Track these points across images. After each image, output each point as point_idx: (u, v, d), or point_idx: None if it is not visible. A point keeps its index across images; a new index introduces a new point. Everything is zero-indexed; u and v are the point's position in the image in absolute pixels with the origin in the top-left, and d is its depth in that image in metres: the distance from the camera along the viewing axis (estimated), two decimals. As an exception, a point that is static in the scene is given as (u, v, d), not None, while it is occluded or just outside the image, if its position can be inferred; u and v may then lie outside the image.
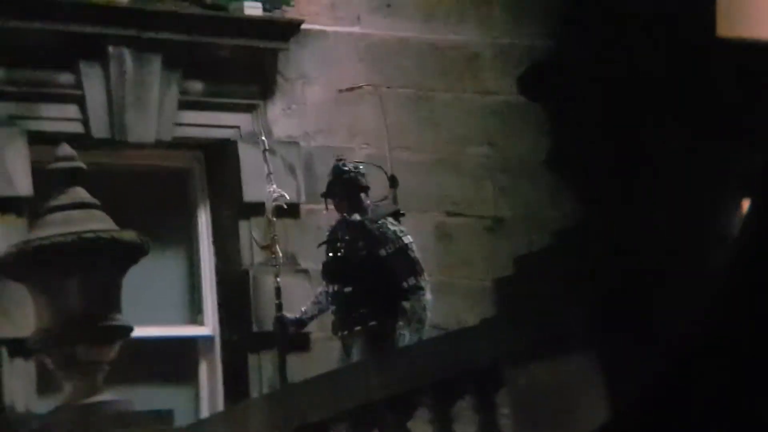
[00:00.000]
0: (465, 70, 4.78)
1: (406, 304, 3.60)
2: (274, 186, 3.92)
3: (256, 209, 4.24)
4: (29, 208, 4.01)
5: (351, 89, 4.54)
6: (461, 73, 4.77)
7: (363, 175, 3.79)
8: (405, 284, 3.63)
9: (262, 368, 4.29)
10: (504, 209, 4.69)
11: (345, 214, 3.74)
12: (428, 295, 3.66)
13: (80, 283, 3.41)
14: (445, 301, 4.33)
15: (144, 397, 3.75)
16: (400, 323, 3.60)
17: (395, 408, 2.84)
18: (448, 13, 4.79)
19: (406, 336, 3.58)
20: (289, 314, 3.85)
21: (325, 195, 3.81)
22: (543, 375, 2.42)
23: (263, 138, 4.09)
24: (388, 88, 4.67)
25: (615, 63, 2.32)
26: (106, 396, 3.44)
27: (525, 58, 4.36)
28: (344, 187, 3.75)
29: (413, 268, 3.65)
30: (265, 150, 4.02)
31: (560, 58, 2.42)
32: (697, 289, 2.19)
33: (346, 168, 3.79)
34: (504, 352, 2.53)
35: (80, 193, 3.59)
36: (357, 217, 3.71)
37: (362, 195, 3.75)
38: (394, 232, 3.70)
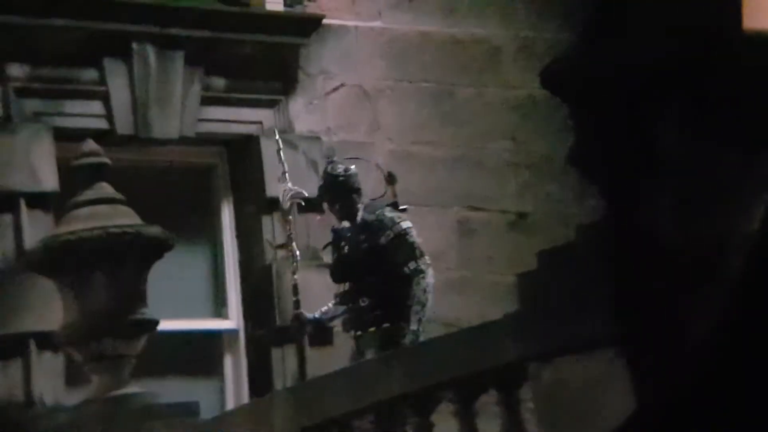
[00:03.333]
0: (487, 64, 4.75)
1: (413, 296, 3.55)
2: (290, 184, 3.91)
3: (279, 204, 4.25)
4: (55, 204, 4.03)
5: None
6: (483, 68, 4.75)
7: (355, 176, 3.76)
8: (406, 269, 3.61)
9: (286, 362, 4.31)
10: (527, 204, 4.67)
11: (342, 223, 3.72)
12: (429, 279, 3.63)
13: (106, 278, 3.44)
14: (467, 297, 4.32)
15: (170, 390, 3.76)
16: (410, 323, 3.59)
17: (418, 402, 2.84)
18: (470, 7, 4.76)
19: (408, 340, 3.55)
20: (308, 313, 3.84)
21: (319, 199, 3.80)
22: (567, 370, 2.41)
23: (277, 138, 4.09)
24: (410, 82, 4.66)
25: (637, 58, 2.30)
26: (133, 389, 3.47)
27: (548, 52, 4.34)
28: (336, 191, 3.73)
29: (413, 252, 3.62)
30: (279, 149, 4.01)
31: (584, 52, 2.41)
32: (720, 290, 2.17)
33: (337, 172, 3.76)
34: (528, 347, 2.53)
35: (105, 189, 3.62)
36: (346, 223, 3.70)
37: (354, 197, 3.73)
38: (391, 218, 3.68)
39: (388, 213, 3.69)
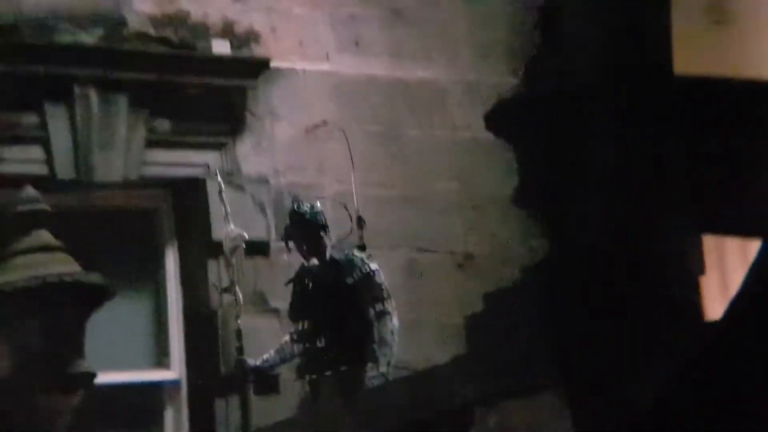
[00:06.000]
0: (434, 106, 4.81)
1: (375, 346, 3.58)
2: (232, 226, 3.90)
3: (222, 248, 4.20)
4: (-8, 253, 3.95)
5: (317, 126, 4.55)
6: (430, 110, 4.80)
7: (320, 213, 3.79)
8: (372, 311, 3.61)
9: (230, 412, 4.23)
10: (473, 245, 4.70)
11: (311, 261, 3.73)
12: (395, 321, 3.66)
13: (43, 328, 3.34)
14: (415, 339, 4.30)
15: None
16: (369, 365, 3.57)
17: (366, 450, 2.80)
18: (416, 51, 4.83)
19: (376, 382, 3.54)
20: (250, 360, 3.79)
21: (285, 239, 3.78)
22: (513, 414, 2.40)
23: (219, 179, 4.07)
24: (358, 124, 4.69)
25: (578, 100, 2.35)
26: (67, 445, 3.36)
27: (492, 95, 4.41)
28: (303, 230, 3.74)
29: (380, 294, 3.64)
30: (221, 191, 4.00)
31: (526, 95, 2.45)
32: (667, 325, 2.19)
33: (302, 210, 3.77)
34: (474, 391, 2.51)
35: (43, 236, 3.53)
36: (315, 262, 3.70)
37: (321, 234, 3.75)
38: (361, 258, 3.72)
39: (358, 253, 3.72)
